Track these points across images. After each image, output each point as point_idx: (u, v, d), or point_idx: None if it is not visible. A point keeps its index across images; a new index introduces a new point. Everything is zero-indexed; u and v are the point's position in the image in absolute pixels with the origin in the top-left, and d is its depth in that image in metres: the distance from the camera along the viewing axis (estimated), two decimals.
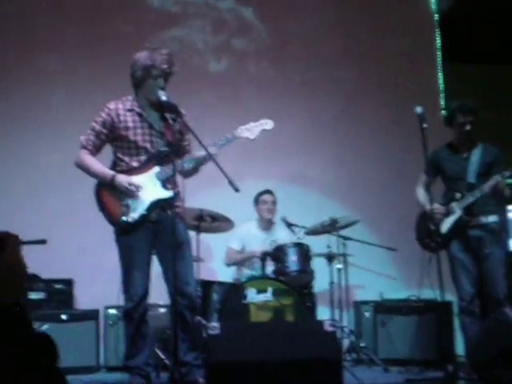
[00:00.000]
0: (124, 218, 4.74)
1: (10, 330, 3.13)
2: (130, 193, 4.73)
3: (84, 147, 4.87)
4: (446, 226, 5.57)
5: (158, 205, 4.79)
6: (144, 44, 5.05)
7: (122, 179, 4.74)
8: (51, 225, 6.96)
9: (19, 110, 7.35)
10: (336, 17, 8.25)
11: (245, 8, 8.15)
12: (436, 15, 8.44)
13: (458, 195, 5.56)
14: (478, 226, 5.52)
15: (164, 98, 4.68)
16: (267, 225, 7.03)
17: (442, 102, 8.17)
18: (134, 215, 4.75)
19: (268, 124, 4.98)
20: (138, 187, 4.73)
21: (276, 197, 7.05)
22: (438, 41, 8.37)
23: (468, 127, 5.55)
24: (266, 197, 7.01)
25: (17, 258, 3.27)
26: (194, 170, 4.95)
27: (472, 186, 5.52)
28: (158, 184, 4.79)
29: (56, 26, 7.61)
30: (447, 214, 5.57)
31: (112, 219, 4.79)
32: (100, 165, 4.85)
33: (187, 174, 4.93)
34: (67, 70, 7.52)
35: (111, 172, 4.79)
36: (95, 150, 4.89)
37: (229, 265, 6.99)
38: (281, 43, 8.18)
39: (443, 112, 7.82)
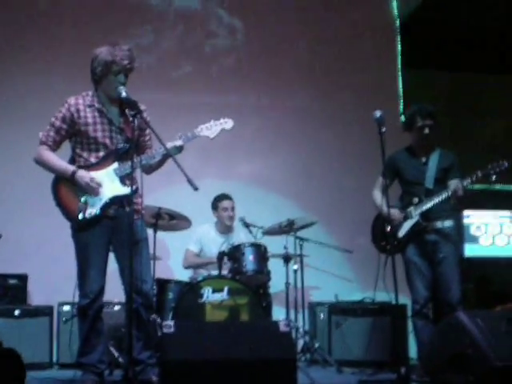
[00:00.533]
0: (81, 214, 4.71)
1: None
2: (90, 189, 4.69)
3: (43, 143, 4.82)
4: (403, 230, 5.62)
5: (116, 201, 4.77)
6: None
7: (84, 175, 4.70)
8: (6, 219, 6.88)
9: None
10: (298, 18, 8.26)
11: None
12: (397, 21, 8.50)
13: (415, 200, 5.61)
14: (433, 231, 5.58)
15: (124, 94, 4.65)
16: (225, 228, 7.02)
17: (401, 107, 8.23)
18: (91, 211, 4.72)
19: (228, 123, 4.98)
20: (99, 184, 4.70)
21: (233, 200, 7.04)
22: (399, 46, 8.43)
23: (426, 131, 5.60)
24: (227, 203, 6.98)
25: None
26: (156, 167, 4.94)
27: (429, 191, 5.58)
28: (117, 180, 4.76)
29: None
30: (404, 218, 5.62)
31: (69, 215, 4.75)
32: (60, 160, 4.81)
33: (148, 170, 4.91)
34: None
35: (72, 167, 4.75)
36: (55, 146, 4.84)
37: (186, 267, 6.96)
38: (245, 42, 8.18)
39: (402, 117, 7.88)
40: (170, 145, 4.74)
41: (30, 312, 6.31)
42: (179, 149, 4.77)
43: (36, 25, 7.57)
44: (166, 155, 4.75)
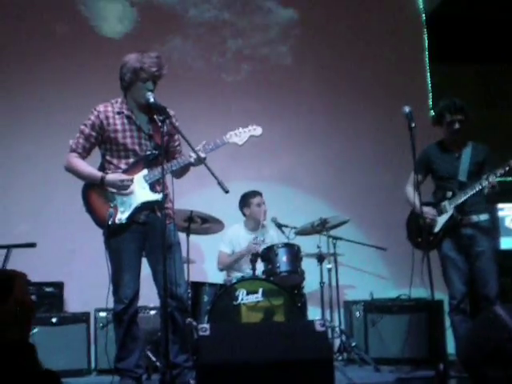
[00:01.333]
0: (111, 220, 4.73)
1: (17, 367, 3.12)
2: (122, 188, 4.72)
3: (73, 150, 4.85)
4: (438, 225, 5.58)
5: (146, 207, 4.79)
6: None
7: (114, 177, 4.74)
8: (41, 227, 6.95)
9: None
10: (324, 18, 8.25)
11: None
12: (423, 15, 8.45)
13: (449, 194, 5.57)
14: (469, 225, 5.53)
15: (152, 100, 4.67)
16: (255, 226, 7.01)
17: (430, 102, 8.17)
18: (121, 217, 4.74)
19: (256, 130, 5.01)
20: (131, 180, 4.72)
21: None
22: (426, 41, 8.38)
23: (456, 126, 5.56)
24: (259, 199, 6.97)
25: (24, 296, 3.26)
26: (185, 171, 4.95)
27: (463, 184, 5.53)
28: (147, 187, 4.79)
29: None
30: (439, 213, 5.58)
31: (99, 221, 4.79)
32: (89, 167, 4.85)
33: (178, 174, 4.93)
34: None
35: (101, 173, 4.79)
36: (85, 153, 4.88)
37: (222, 269, 6.97)
38: (273, 44, 8.19)
39: (431, 112, 7.83)
40: (190, 158, 4.76)
41: (67, 319, 6.36)
42: (201, 160, 4.74)
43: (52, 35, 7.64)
44: (195, 161, 4.76)
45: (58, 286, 6.72)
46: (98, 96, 5.11)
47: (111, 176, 4.74)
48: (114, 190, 4.75)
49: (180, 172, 4.94)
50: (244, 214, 7.04)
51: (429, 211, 5.55)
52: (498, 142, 7.58)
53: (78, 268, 7.04)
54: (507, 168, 5.26)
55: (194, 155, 4.73)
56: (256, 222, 6.97)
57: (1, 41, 7.44)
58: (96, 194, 4.79)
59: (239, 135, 4.95)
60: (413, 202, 5.48)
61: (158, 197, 4.68)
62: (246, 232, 7.02)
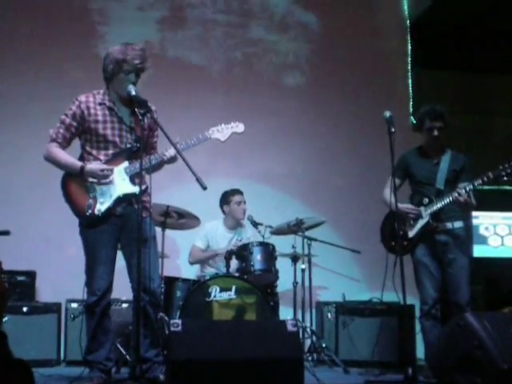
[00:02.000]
0: (90, 211, 4.72)
1: None
2: (103, 177, 4.70)
3: (54, 140, 4.83)
4: (413, 230, 5.61)
5: (125, 199, 4.78)
6: None
7: (94, 166, 4.72)
8: (15, 216, 6.91)
9: None
10: (310, 18, 8.27)
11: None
12: (408, 21, 8.49)
13: (425, 200, 5.60)
14: (443, 232, 5.57)
15: (134, 92, 4.66)
16: (234, 224, 7.03)
17: (411, 108, 8.21)
18: (100, 208, 4.73)
19: (239, 127, 5.03)
20: (111, 170, 4.71)
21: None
22: (409, 46, 8.42)
23: (435, 133, 5.59)
24: (239, 197, 6.98)
25: None
26: (159, 167, 4.94)
27: (440, 192, 5.57)
28: (127, 179, 4.78)
29: None
30: (415, 219, 5.62)
31: (78, 211, 4.77)
32: (69, 157, 4.82)
33: (152, 170, 4.91)
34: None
35: (80, 163, 4.77)
36: (65, 143, 4.85)
37: (192, 263, 6.97)
38: (250, 43, 8.19)
39: (412, 117, 7.87)
40: (168, 153, 4.76)
41: (39, 309, 6.32)
42: (178, 157, 4.72)
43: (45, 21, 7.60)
44: (175, 156, 4.75)
45: (31, 275, 6.68)
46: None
47: (91, 166, 4.73)
48: (93, 180, 4.73)
49: (154, 168, 4.92)
50: (224, 212, 7.05)
51: (412, 208, 5.58)
52: (478, 147, 7.67)
53: (51, 258, 7.01)
54: (485, 179, 5.30)
55: (170, 152, 4.73)
56: (235, 220, 6.98)
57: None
58: (75, 184, 4.77)
59: (221, 131, 4.95)
60: (389, 203, 5.51)
61: (137, 189, 4.67)
62: (224, 230, 7.02)
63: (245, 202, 6.99)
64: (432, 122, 5.59)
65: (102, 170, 4.70)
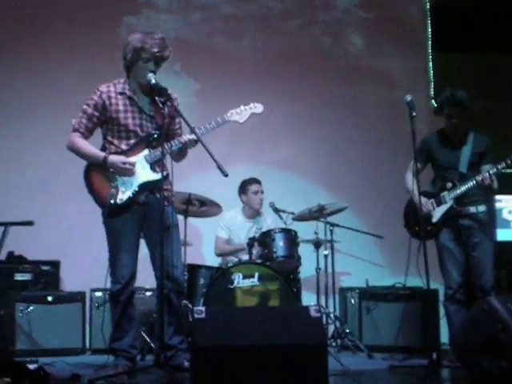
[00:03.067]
0: (112, 200, 4.73)
1: None
2: (124, 171, 4.72)
3: (76, 130, 4.84)
4: (436, 215, 5.58)
5: (147, 187, 4.79)
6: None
7: (116, 159, 4.73)
8: (38, 206, 6.96)
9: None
10: (326, 5, 8.24)
11: None
12: (428, 4, 8.42)
13: (449, 185, 5.57)
14: (467, 216, 5.54)
15: (154, 81, 4.67)
16: (253, 213, 7.02)
17: (432, 92, 8.16)
18: (122, 197, 4.74)
19: (258, 108, 4.98)
20: (132, 164, 4.73)
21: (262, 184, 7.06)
22: (430, 30, 8.35)
23: (454, 120, 5.54)
24: (256, 186, 6.97)
25: None
26: (183, 154, 4.94)
27: (463, 176, 5.53)
28: (147, 167, 4.79)
29: None
30: (438, 203, 5.58)
31: (100, 201, 4.78)
32: (92, 147, 4.84)
33: (177, 157, 4.92)
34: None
35: (103, 153, 4.78)
36: (87, 133, 4.87)
37: (219, 255, 6.98)
38: (273, 30, 8.15)
39: (433, 101, 7.83)
40: (186, 137, 4.76)
41: (63, 298, 6.37)
42: (198, 141, 4.71)
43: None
44: (195, 142, 4.75)
45: (55, 265, 6.73)
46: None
47: (113, 158, 4.74)
48: (114, 171, 4.75)
49: (179, 155, 4.92)
50: (242, 201, 7.05)
51: (426, 204, 5.56)
52: (499, 132, 7.59)
53: (75, 247, 7.06)
54: (509, 162, 5.26)
55: (189, 136, 4.73)
56: (252, 209, 6.98)
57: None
58: (98, 174, 4.79)
59: (240, 113, 4.93)
60: (412, 191, 5.48)
61: (158, 176, 4.69)
62: (243, 219, 7.03)
63: (262, 192, 6.97)
64: (451, 109, 5.54)
65: (124, 163, 4.72)
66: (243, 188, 7.02)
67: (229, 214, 7.00)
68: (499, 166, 5.31)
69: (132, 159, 4.76)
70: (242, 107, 4.95)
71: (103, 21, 7.62)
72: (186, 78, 7.68)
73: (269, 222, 6.97)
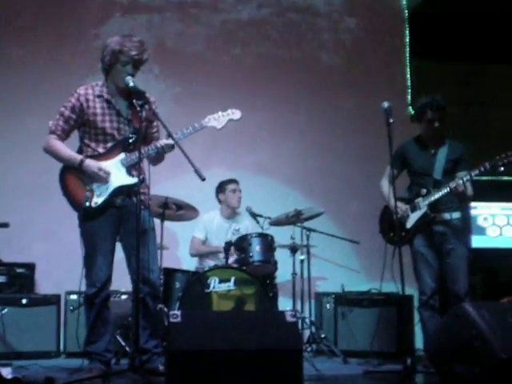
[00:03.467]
0: (87, 203, 4.72)
1: None
2: (98, 178, 4.70)
3: (53, 132, 4.83)
4: (411, 221, 5.62)
5: (122, 191, 4.78)
6: None
7: (92, 164, 4.71)
8: (14, 208, 6.91)
9: None
10: (305, 11, 8.26)
11: None
12: (406, 11, 8.46)
13: (423, 191, 5.60)
14: (441, 222, 5.58)
15: (132, 84, 4.67)
16: (231, 214, 7.05)
17: (410, 99, 8.20)
18: (97, 200, 4.73)
19: (235, 114, 4.98)
20: (107, 173, 4.71)
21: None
22: (407, 37, 8.40)
23: (436, 124, 5.59)
24: (234, 185, 7.02)
25: None
26: (160, 158, 4.94)
27: (438, 182, 5.57)
28: (123, 170, 4.77)
29: None
30: (412, 209, 5.62)
31: (75, 204, 4.76)
32: (68, 149, 4.82)
33: (154, 161, 4.91)
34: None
35: (80, 156, 4.76)
36: (64, 135, 4.85)
37: (194, 255, 6.99)
38: (252, 36, 8.17)
39: (410, 108, 7.87)
40: (163, 142, 4.75)
41: (38, 301, 6.32)
42: (174, 146, 4.71)
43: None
44: (172, 146, 4.75)
45: (30, 267, 6.69)
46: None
47: (90, 162, 4.72)
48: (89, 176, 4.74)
49: (155, 159, 4.92)
50: (219, 201, 7.08)
51: (401, 207, 5.59)
52: (476, 139, 7.66)
53: (50, 250, 7.02)
54: (482, 169, 5.30)
55: (165, 141, 4.72)
56: (230, 208, 7.00)
57: None
58: (73, 177, 4.77)
59: (218, 119, 4.92)
60: (387, 197, 5.50)
61: (134, 180, 4.67)
62: (221, 219, 7.05)
63: (240, 191, 7.02)
64: (434, 113, 5.58)
65: (100, 169, 4.70)
66: (221, 187, 7.06)
67: (207, 216, 7.01)
68: (472, 173, 5.35)
69: (108, 163, 4.75)
70: (219, 113, 4.94)
71: (86, 23, 7.60)
72: (163, 81, 7.66)
73: (247, 223, 6.99)
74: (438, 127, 5.59)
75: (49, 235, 7.09)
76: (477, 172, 5.33)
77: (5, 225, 5.91)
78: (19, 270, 6.59)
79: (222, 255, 6.50)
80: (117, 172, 4.76)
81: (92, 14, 7.69)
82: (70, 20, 7.59)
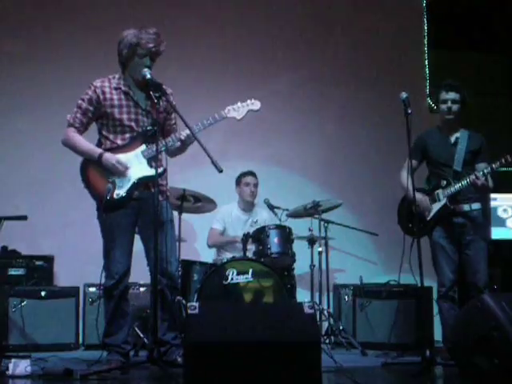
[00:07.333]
0: (108, 195, 4.72)
1: None
2: (117, 171, 4.71)
3: (71, 125, 4.84)
4: (430, 212, 5.58)
5: (143, 182, 4.79)
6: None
7: (110, 157, 4.72)
8: (33, 201, 6.94)
9: None
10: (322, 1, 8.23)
11: None
12: (424, 1, 8.41)
13: (443, 182, 5.57)
14: (461, 214, 5.55)
15: (149, 76, 4.66)
16: (248, 206, 7.05)
17: (428, 89, 8.15)
18: (118, 192, 4.73)
19: (255, 104, 4.96)
20: (125, 166, 4.71)
21: (258, 178, 7.05)
22: (425, 27, 8.35)
23: (450, 104, 5.54)
24: (249, 179, 7.01)
25: None
26: (180, 150, 4.94)
27: (458, 173, 5.53)
28: (144, 162, 4.78)
29: None
30: (432, 201, 5.58)
31: (97, 196, 4.78)
32: (87, 143, 4.83)
33: (173, 153, 4.93)
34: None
35: (99, 150, 4.78)
36: (82, 128, 4.87)
37: (211, 246, 7.00)
38: (269, 25, 8.13)
39: (428, 99, 7.83)
40: (185, 133, 4.75)
41: (57, 293, 6.35)
42: (193, 137, 4.68)
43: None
44: (190, 138, 4.74)
45: (49, 260, 6.70)
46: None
47: (108, 156, 4.73)
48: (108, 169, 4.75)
49: (176, 150, 4.92)
50: (237, 193, 7.08)
51: (422, 200, 5.55)
52: (493, 129, 7.59)
53: (69, 242, 7.05)
54: (503, 161, 5.26)
55: (186, 132, 4.72)
56: (245, 202, 7.00)
57: None
58: (94, 169, 4.78)
59: (237, 110, 4.91)
60: (406, 188, 5.47)
61: (154, 172, 4.67)
62: (238, 211, 7.05)
63: (255, 185, 7.01)
64: (447, 92, 5.55)
65: (118, 163, 4.71)
66: (238, 180, 7.08)
67: (225, 207, 7.02)
68: (494, 166, 5.31)
69: (128, 155, 4.76)
70: (239, 104, 4.93)
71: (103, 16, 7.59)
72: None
73: (265, 215, 6.98)
74: (452, 109, 5.54)
75: (67, 227, 7.11)
76: (498, 164, 5.29)
77: (23, 217, 5.93)
78: (38, 263, 6.61)
79: (239, 245, 6.49)
80: (138, 164, 4.77)
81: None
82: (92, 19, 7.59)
